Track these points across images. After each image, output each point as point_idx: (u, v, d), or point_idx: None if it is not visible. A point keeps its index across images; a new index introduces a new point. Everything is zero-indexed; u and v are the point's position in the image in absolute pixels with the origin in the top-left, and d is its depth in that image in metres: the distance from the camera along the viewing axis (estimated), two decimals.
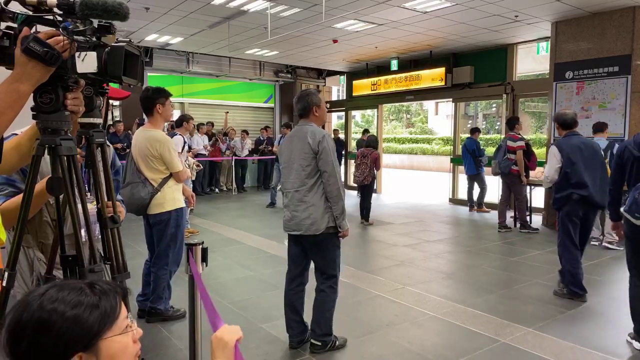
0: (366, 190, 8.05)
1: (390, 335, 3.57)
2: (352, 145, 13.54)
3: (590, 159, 4.28)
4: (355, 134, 16.09)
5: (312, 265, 3.42)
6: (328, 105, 3.49)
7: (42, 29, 1.21)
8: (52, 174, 1.34)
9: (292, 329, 3.37)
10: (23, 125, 1.56)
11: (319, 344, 3.27)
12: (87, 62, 1.25)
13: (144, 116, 3.95)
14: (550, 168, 4.36)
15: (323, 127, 3.42)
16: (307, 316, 3.44)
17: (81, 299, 0.87)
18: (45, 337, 0.83)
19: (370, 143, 8.06)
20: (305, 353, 3.28)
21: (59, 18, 1.21)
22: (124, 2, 1.22)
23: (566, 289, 4.40)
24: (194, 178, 6.78)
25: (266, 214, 9.27)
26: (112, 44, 1.27)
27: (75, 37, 1.21)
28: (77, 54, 1.23)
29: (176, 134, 6.37)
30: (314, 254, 3.29)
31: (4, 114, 1.15)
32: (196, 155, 10.24)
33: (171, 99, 3.79)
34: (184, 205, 3.87)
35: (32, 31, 1.19)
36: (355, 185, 8.39)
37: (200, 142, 11.17)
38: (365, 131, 13.01)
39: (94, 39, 1.26)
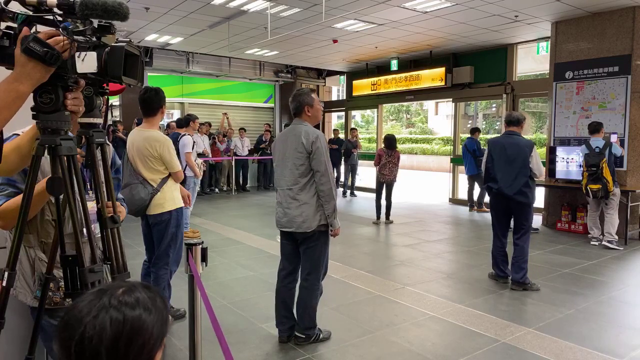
0: (390, 188, 8.16)
1: (390, 335, 3.57)
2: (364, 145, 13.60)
3: (512, 157, 4.66)
4: None
5: None
6: (323, 105, 3.72)
7: (41, 28, 1.21)
8: (52, 174, 1.34)
9: (283, 324, 3.47)
10: (24, 125, 1.56)
11: (303, 337, 3.38)
12: (87, 62, 1.25)
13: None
14: (483, 162, 5.00)
15: (318, 127, 3.51)
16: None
17: (149, 295, 0.91)
18: (140, 337, 0.85)
19: (391, 143, 8.13)
20: (306, 353, 3.28)
21: (59, 18, 1.21)
22: (124, 2, 1.22)
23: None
24: (200, 177, 6.77)
25: (266, 214, 9.27)
26: (112, 44, 1.27)
27: (75, 37, 1.20)
28: (77, 53, 1.23)
29: (184, 135, 6.33)
30: (303, 249, 3.38)
31: (1, 113, 1.15)
32: (198, 155, 10.23)
33: (171, 99, 3.79)
34: (183, 204, 3.86)
35: (32, 31, 1.19)
36: (377, 184, 8.31)
37: (201, 142, 11.16)
38: (335, 131, 13.14)
39: (93, 39, 1.26)
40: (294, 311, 3.48)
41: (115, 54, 1.25)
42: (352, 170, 12.07)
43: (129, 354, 0.84)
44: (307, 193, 3.24)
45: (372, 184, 8.45)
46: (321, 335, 3.43)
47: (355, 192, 11.98)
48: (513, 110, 5.09)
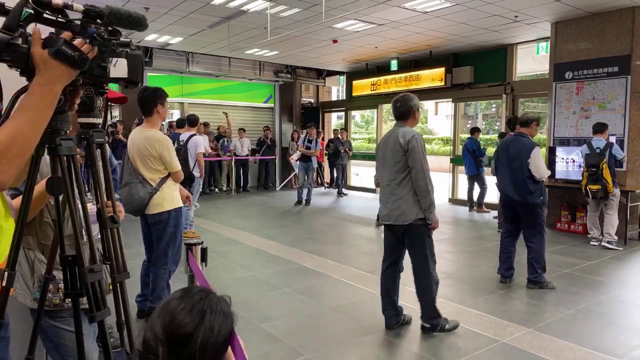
0: None
1: (390, 335, 3.57)
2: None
3: (512, 157, 4.70)
4: (355, 134, 16.02)
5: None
6: None
7: (41, 28, 1.20)
8: (52, 174, 1.34)
9: (386, 312, 3.67)
10: None
11: (428, 326, 3.55)
12: (118, 68, 1.32)
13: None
14: (493, 162, 5.18)
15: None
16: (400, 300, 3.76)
17: (224, 299, 1.09)
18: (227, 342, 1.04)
19: None
20: (305, 352, 3.27)
21: (78, 22, 1.21)
22: (131, 9, 1.23)
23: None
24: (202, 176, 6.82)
25: (266, 214, 9.27)
26: (130, 52, 1.35)
27: (104, 42, 1.22)
28: (110, 59, 1.30)
29: (193, 135, 6.36)
30: (407, 244, 3.59)
31: (44, 113, 1.15)
32: None
33: (171, 99, 3.79)
34: (182, 204, 3.86)
35: (31, 30, 1.18)
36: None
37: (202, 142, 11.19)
38: (335, 131, 13.13)
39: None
40: (397, 300, 3.69)
41: (135, 62, 1.35)
42: (342, 170, 12.12)
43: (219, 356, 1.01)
44: (403, 188, 3.48)
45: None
46: (447, 326, 3.54)
47: (348, 192, 12.11)
48: (526, 112, 5.23)
